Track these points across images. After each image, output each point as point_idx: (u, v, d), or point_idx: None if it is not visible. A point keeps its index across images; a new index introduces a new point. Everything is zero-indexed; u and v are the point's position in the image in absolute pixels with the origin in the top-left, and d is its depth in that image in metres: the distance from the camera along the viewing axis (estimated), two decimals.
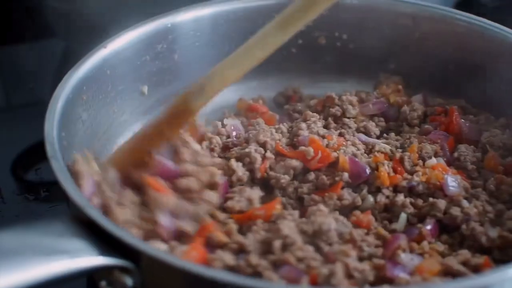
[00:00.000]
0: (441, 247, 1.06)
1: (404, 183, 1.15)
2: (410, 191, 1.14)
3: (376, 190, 1.15)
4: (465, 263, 1.02)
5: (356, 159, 1.17)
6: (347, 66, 1.43)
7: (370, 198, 1.14)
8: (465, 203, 1.11)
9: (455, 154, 1.22)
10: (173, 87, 1.36)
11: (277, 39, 1.08)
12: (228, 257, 1.00)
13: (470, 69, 1.33)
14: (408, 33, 1.37)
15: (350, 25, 1.40)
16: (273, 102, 1.43)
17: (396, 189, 1.15)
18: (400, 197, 1.13)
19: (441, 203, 1.11)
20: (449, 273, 1.01)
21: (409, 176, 1.16)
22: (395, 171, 1.17)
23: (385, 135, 1.30)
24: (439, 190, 1.14)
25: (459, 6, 1.61)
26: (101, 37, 1.27)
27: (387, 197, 1.14)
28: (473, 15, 1.34)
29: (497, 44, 1.30)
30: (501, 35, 1.30)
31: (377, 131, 1.30)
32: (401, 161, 1.18)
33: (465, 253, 1.04)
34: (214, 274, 0.87)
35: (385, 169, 1.16)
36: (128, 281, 0.92)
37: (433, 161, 1.18)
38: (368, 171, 1.16)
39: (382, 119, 1.33)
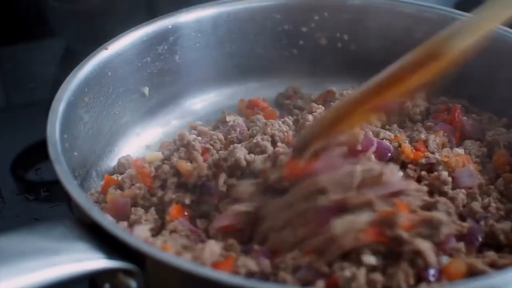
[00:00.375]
0: (461, 245, 1.04)
1: (423, 160, 1.15)
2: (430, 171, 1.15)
3: (401, 167, 1.16)
4: (492, 265, 1.01)
5: (377, 139, 1.17)
6: (348, 67, 1.43)
7: (400, 173, 1.13)
8: (479, 199, 1.11)
9: (461, 148, 1.23)
10: (174, 89, 1.36)
11: None
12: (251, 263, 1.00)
13: (471, 69, 1.32)
14: (409, 34, 1.37)
15: (351, 26, 1.40)
16: (274, 103, 1.43)
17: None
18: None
19: (460, 196, 1.11)
20: (473, 273, 0.99)
21: (430, 155, 1.17)
22: (417, 150, 1.18)
23: (387, 127, 1.29)
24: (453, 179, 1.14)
25: (460, 6, 1.61)
26: (102, 37, 1.27)
27: (415, 170, 1.15)
28: None
29: (497, 44, 1.30)
30: (502, 34, 1.30)
31: (378, 124, 1.30)
32: (426, 142, 1.19)
33: (491, 255, 1.03)
34: (220, 276, 0.87)
35: (408, 146, 1.17)
36: (133, 284, 0.92)
37: (460, 151, 1.19)
38: (392, 148, 1.17)
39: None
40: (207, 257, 1.00)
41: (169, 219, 1.10)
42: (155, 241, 1.04)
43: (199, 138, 1.23)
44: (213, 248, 1.01)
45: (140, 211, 1.12)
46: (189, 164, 1.15)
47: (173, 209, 1.11)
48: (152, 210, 1.12)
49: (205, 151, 1.17)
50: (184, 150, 1.18)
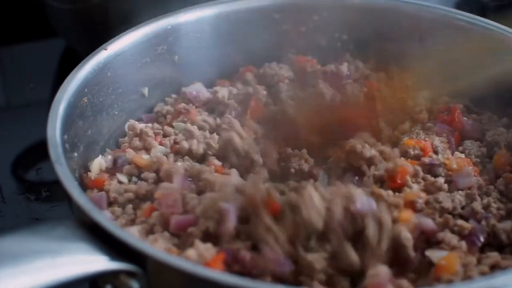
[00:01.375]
0: (464, 246, 1.05)
1: (427, 160, 1.16)
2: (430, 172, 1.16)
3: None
4: (495, 266, 1.02)
5: None
6: None
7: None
8: (478, 199, 1.12)
9: (460, 148, 1.23)
10: (173, 89, 1.36)
11: None
12: None
13: (471, 69, 1.33)
14: (409, 34, 1.37)
15: (351, 26, 1.40)
16: None
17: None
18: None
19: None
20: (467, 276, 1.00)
21: (434, 156, 1.18)
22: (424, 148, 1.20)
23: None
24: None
25: (460, 6, 1.61)
26: (102, 37, 1.27)
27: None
28: (474, 15, 1.35)
29: (497, 44, 1.30)
30: (502, 35, 1.30)
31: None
32: (432, 143, 1.21)
33: (494, 255, 1.04)
34: (223, 278, 0.88)
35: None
36: (135, 285, 0.92)
37: (461, 155, 1.19)
38: None
39: None
40: (196, 259, 0.99)
41: (141, 214, 1.10)
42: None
43: (150, 125, 1.26)
44: (200, 249, 1.01)
45: (117, 211, 1.12)
46: (145, 156, 1.18)
47: (147, 208, 1.11)
48: (130, 207, 1.13)
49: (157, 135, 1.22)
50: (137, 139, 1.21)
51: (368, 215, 1.02)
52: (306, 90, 1.32)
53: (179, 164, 1.17)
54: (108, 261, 0.91)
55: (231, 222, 1.01)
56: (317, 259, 1.00)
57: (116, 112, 1.27)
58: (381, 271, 0.98)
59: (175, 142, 1.22)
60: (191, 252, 0.98)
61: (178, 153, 1.21)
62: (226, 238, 1.02)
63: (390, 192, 1.10)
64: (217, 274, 0.90)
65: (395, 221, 1.05)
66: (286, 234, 1.00)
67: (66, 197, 1.00)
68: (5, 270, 0.86)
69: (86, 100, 1.19)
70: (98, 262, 0.91)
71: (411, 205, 1.09)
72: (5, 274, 0.86)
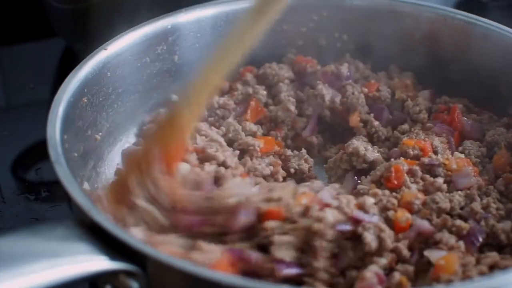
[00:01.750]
0: (462, 246, 1.05)
1: (426, 160, 1.16)
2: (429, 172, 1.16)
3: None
4: (494, 266, 1.02)
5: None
6: None
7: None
8: (478, 199, 1.12)
9: (460, 149, 1.24)
10: (173, 89, 1.35)
11: (252, 30, 1.07)
12: None
13: (470, 69, 1.33)
14: (409, 34, 1.37)
15: (351, 26, 1.40)
16: None
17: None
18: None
19: (457, 199, 1.11)
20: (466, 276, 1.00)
21: (433, 156, 1.18)
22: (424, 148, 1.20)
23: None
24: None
25: (460, 6, 1.61)
26: (102, 37, 1.27)
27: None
28: (474, 15, 1.35)
29: (497, 44, 1.30)
30: (501, 35, 1.30)
31: None
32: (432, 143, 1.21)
33: (493, 255, 1.04)
34: (223, 278, 0.88)
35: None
36: (134, 285, 0.92)
37: (460, 155, 1.19)
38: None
39: None
40: (201, 260, 0.99)
41: None
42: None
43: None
44: (205, 250, 1.01)
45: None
46: None
47: None
48: None
49: None
50: None
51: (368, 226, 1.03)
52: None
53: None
54: (107, 261, 0.91)
55: (241, 218, 1.02)
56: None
57: (116, 112, 1.27)
58: (368, 274, 0.98)
59: None
60: (196, 253, 0.98)
61: None
62: (234, 235, 1.02)
63: (387, 192, 1.10)
64: (217, 274, 0.90)
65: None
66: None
67: (65, 197, 1.00)
68: (5, 270, 0.86)
69: (86, 100, 1.19)
70: (97, 262, 0.91)
71: (408, 205, 1.09)
72: (4, 274, 0.86)
